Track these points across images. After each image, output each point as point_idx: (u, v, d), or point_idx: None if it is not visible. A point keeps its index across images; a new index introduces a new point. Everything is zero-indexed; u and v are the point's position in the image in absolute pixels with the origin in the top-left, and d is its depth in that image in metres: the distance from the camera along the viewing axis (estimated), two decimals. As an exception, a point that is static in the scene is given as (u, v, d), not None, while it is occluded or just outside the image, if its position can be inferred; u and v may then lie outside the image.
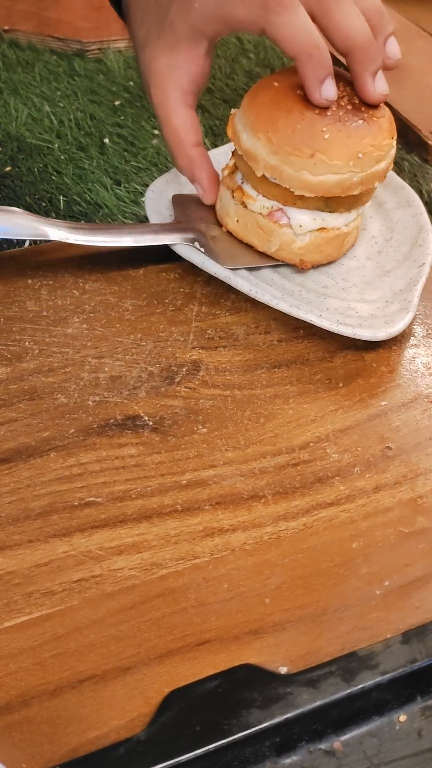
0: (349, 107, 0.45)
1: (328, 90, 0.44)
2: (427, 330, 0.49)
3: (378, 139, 0.46)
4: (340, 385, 0.46)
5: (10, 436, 0.41)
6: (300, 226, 0.48)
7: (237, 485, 0.40)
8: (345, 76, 0.47)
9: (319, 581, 0.36)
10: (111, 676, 0.33)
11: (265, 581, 0.36)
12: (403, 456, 0.42)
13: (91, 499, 0.39)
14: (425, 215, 0.53)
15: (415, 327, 0.49)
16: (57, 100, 0.74)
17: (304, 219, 0.47)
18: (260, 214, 0.48)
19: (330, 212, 0.48)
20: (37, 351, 0.46)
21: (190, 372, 0.46)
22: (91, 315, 0.49)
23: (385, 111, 0.47)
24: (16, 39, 0.83)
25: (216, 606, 0.35)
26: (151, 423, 0.43)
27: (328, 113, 0.45)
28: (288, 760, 0.31)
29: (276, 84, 0.46)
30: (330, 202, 0.47)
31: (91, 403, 0.44)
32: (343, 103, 0.45)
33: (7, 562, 0.36)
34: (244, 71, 0.80)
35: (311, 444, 0.42)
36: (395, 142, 0.48)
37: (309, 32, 0.43)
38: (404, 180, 0.65)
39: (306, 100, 0.45)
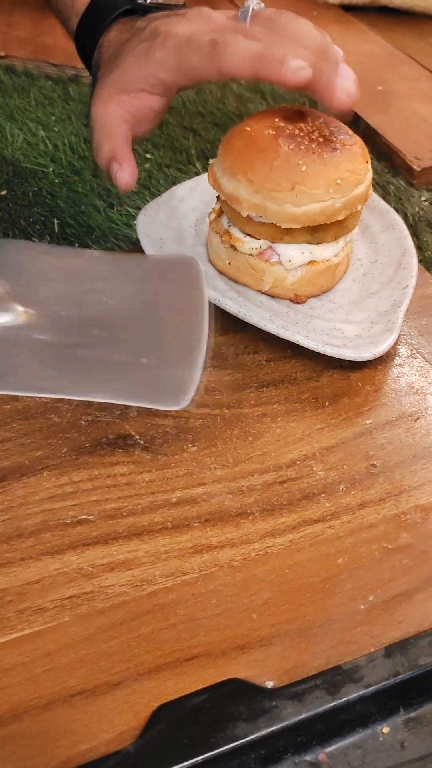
0: (321, 140, 0.47)
1: (294, 62, 0.42)
2: (411, 350, 0.51)
3: (353, 164, 0.47)
4: (327, 404, 0.47)
5: (3, 455, 0.42)
6: (290, 261, 0.49)
7: (226, 503, 0.41)
8: (312, 113, 0.49)
9: (305, 596, 0.37)
10: (101, 691, 0.33)
11: (253, 597, 0.37)
12: (387, 473, 0.43)
13: (83, 516, 0.40)
14: (409, 238, 0.55)
15: (399, 347, 0.51)
16: (52, 124, 0.76)
17: (293, 254, 0.49)
18: (250, 255, 0.50)
19: (318, 244, 0.49)
20: (30, 372, 0.47)
21: (181, 392, 0.47)
22: (84, 336, 0.50)
23: (356, 138, 0.49)
24: (12, 65, 0.85)
25: (204, 621, 0.36)
26: (142, 442, 0.44)
27: (302, 147, 0.46)
28: (274, 772, 0.31)
29: (248, 128, 0.48)
30: (317, 233, 0.48)
31: (83, 423, 0.45)
32: (314, 137, 0.47)
33: (0, 579, 0.37)
34: (235, 95, 0.82)
35: (298, 462, 0.43)
36: (370, 165, 0.50)
37: (256, 46, 0.43)
38: (390, 203, 0.66)
39: (278, 139, 0.47)
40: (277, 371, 0.49)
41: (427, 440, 0.45)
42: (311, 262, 0.50)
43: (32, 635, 0.35)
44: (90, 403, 0.46)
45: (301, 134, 0.47)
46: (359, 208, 0.49)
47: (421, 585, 0.37)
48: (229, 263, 0.52)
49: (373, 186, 0.68)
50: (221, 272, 0.53)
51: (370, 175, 0.50)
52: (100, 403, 0.46)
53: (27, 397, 0.45)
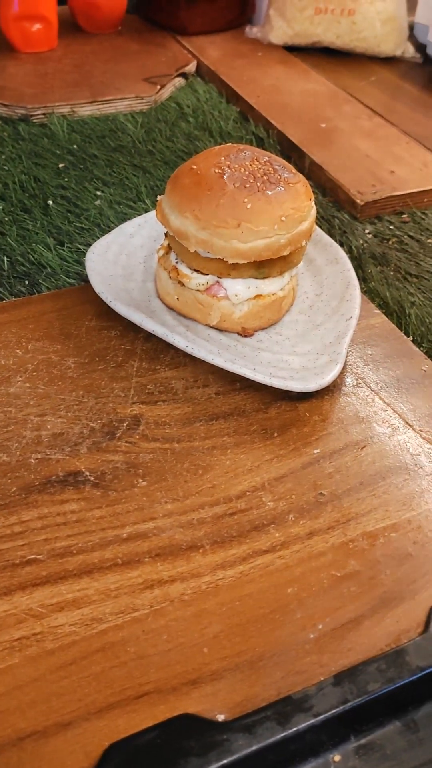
0: (265, 178, 0.49)
1: None
2: (356, 380, 0.52)
3: (297, 202, 0.49)
4: (275, 435, 0.48)
5: None
6: (236, 295, 0.50)
7: (176, 536, 0.41)
8: (257, 152, 0.51)
9: (255, 628, 0.37)
10: (52, 732, 0.33)
11: (204, 630, 0.37)
12: (335, 501, 0.44)
13: (33, 556, 0.40)
14: (352, 271, 0.57)
15: (345, 377, 0.52)
16: (1, 163, 0.76)
17: (240, 288, 0.50)
18: (197, 290, 0.51)
19: (264, 278, 0.50)
20: (-21, 411, 0.47)
21: (131, 426, 0.47)
22: (34, 374, 0.50)
23: (299, 176, 0.51)
24: (-38, 105, 0.85)
25: (155, 658, 0.36)
26: (92, 478, 0.44)
27: (247, 186, 0.48)
28: (226, 808, 0.31)
29: (194, 167, 0.50)
30: (263, 268, 0.50)
31: (33, 461, 0.45)
32: (259, 175, 0.49)
33: None
34: (184, 134, 0.84)
35: (248, 493, 0.44)
36: (313, 203, 0.51)
37: None
38: (335, 236, 0.68)
39: (224, 178, 0.48)
40: (226, 404, 0.49)
41: (373, 468, 0.46)
42: (258, 296, 0.51)
43: (-19, 679, 0.34)
44: (40, 441, 0.46)
45: (247, 173, 0.49)
46: (304, 243, 0.51)
47: (368, 611, 0.38)
48: (178, 298, 0.53)
49: (319, 220, 0.70)
50: (170, 307, 0.54)
51: (313, 212, 0.51)
52: (50, 440, 0.46)
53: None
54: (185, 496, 0.43)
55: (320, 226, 0.69)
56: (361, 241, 0.69)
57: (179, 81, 0.97)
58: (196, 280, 0.51)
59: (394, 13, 1.00)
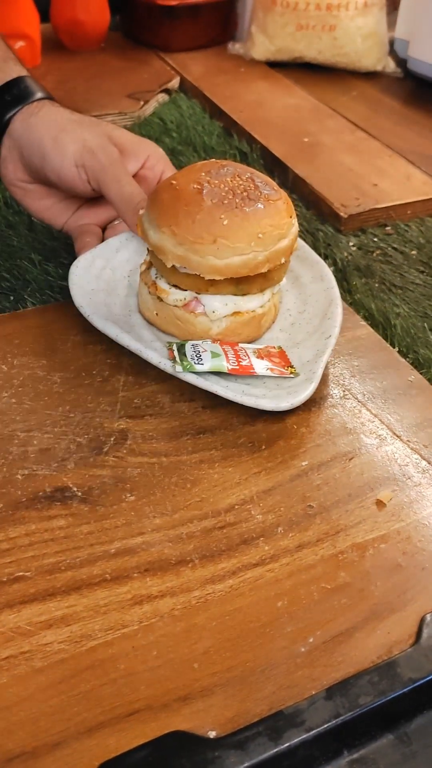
0: (245, 194, 0.49)
1: None
2: (343, 391, 0.52)
3: (276, 219, 0.49)
4: (263, 447, 0.48)
5: None
6: (213, 312, 0.50)
7: (165, 551, 0.41)
8: (239, 167, 0.51)
9: (246, 642, 0.37)
10: (41, 753, 0.33)
11: (193, 646, 0.37)
12: (324, 514, 0.44)
13: (20, 573, 0.39)
14: (336, 289, 0.57)
15: (332, 388, 0.52)
16: (-14, 179, 0.76)
17: (217, 305, 0.50)
18: (176, 306, 0.51)
19: (242, 295, 0.51)
20: (-35, 427, 0.47)
21: (118, 441, 0.47)
22: (20, 389, 0.50)
23: (281, 193, 0.51)
24: None
25: (145, 674, 0.35)
26: (79, 494, 0.44)
27: (225, 202, 0.48)
28: None
29: (174, 182, 0.50)
30: (241, 285, 0.50)
31: (20, 477, 0.44)
32: (238, 191, 0.49)
33: None
34: (167, 149, 0.84)
35: (236, 506, 0.44)
36: (295, 220, 0.52)
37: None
38: (320, 250, 0.69)
39: (202, 193, 0.48)
40: (213, 417, 0.49)
41: (362, 479, 0.46)
42: (236, 313, 0.51)
43: (-32, 700, 0.34)
44: (26, 457, 0.45)
45: (226, 189, 0.49)
46: (283, 260, 0.51)
47: (359, 623, 0.38)
48: (157, 314, 0.53)
49: (303, 233, 0.70)
50: (150, 322, 0.54)
51: (294, 229, 0.52)
52: (36, 456, 0.45)
53: None
54: (174, 510, 0.43)
55: (305, 240, 0.69)
56: (346, 254, 0.69)
57: (162, 97, 0.97)
58: (174, 295, 0.51)
59: (375, 28, 1.01)
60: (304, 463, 0.47)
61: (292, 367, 0.50)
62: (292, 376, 0.50)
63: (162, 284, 0.51)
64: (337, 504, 0.44)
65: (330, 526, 0.43)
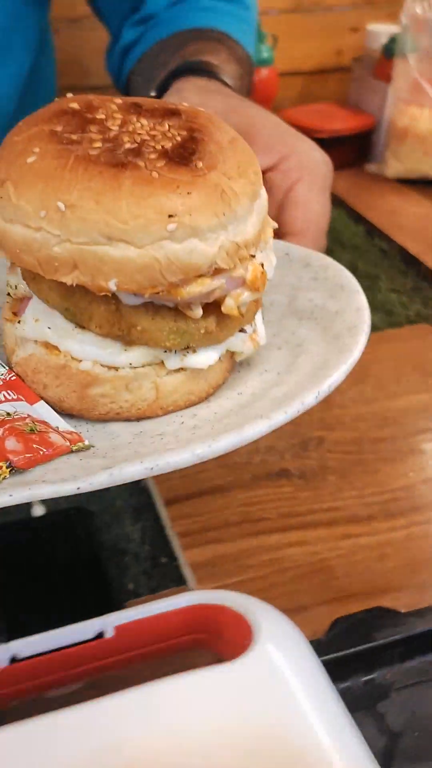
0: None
1: None
2: None
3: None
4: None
5: (205, 478, 0.63)
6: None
7: (357, 511, 0.61)
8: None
9: (420, 563, 0.56)
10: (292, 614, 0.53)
11: (384, 562, 0.56)
12: (467, 496, 0.63)
13: (265, 516, 0.60)
14: None
15: None
16: None
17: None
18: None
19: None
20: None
21: (319, 443, 0.68)
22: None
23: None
24: None
25: (356, 576, 0.55)
26: (297, 474, 0.65)
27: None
28: None
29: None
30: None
31: (256, 461, 0.66)
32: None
33: None
34: (324, 247, 1.09)
35: (406, 486, 0.63)
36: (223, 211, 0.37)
37: None
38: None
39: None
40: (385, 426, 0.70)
41: None
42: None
43: None
44: (257, 450, 0.67)
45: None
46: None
47: None
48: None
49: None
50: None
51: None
52: (265, 450, 0.67)
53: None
54: (362, 487, 0.63)
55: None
56: (471, 327, 0.89)
57: (314, 206, 1.23)
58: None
59: None
60: (451, 464, 0.66)
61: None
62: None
63: None
64: None
65: (472, 504, 0.62)
